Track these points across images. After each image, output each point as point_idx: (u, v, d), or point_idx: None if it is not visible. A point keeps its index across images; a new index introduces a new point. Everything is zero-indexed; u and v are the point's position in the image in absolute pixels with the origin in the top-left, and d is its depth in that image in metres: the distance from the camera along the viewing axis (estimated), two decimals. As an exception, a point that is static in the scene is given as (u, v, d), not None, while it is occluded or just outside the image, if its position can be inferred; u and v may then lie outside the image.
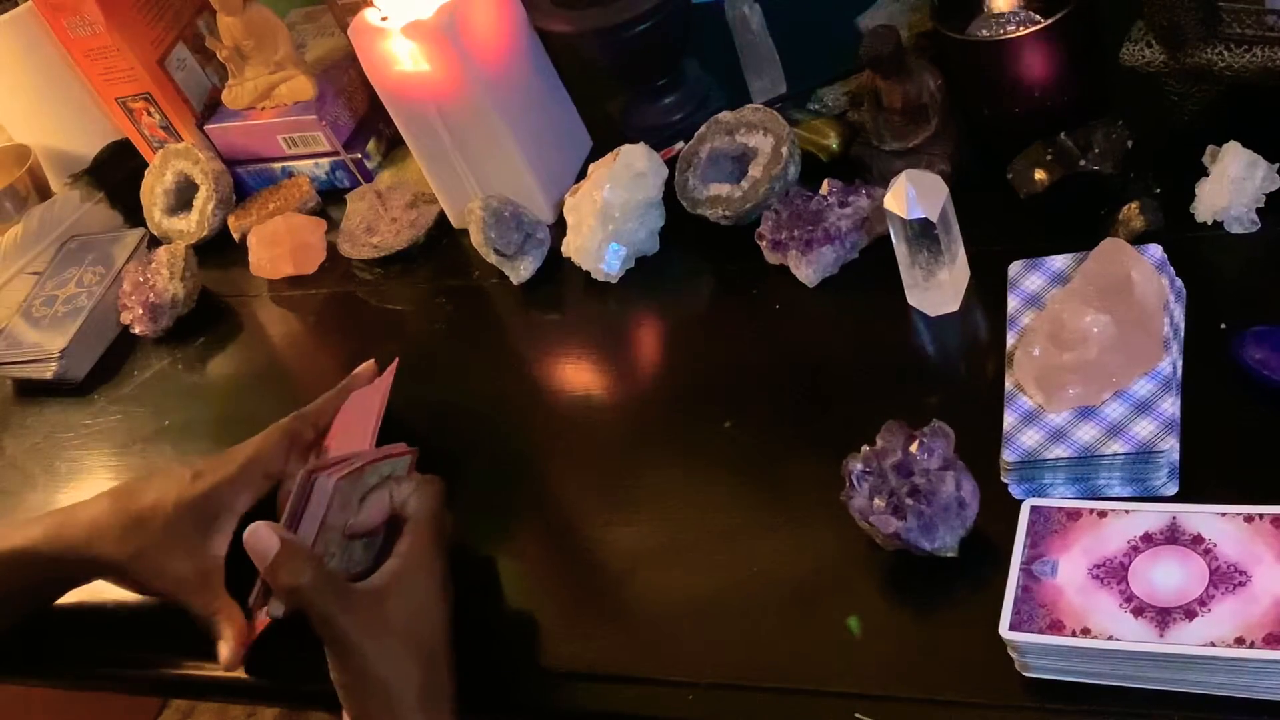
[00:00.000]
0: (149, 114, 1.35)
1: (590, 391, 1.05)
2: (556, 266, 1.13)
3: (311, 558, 0.81)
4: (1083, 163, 0.96)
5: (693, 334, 1.06)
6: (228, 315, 1.27)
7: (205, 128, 1.36)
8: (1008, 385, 0.86)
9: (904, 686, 0.76)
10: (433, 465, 1.03)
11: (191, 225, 1.34)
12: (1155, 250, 0.88)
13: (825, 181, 1.04)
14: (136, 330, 1.26)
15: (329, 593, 0.80)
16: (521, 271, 1.13)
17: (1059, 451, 0.81)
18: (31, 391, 1.27)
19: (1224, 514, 0.73)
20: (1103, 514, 0.76)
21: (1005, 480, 0.83)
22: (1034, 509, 0.77)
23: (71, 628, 1.00)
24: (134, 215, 1.40)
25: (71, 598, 0.99)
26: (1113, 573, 0.73)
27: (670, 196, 1.11)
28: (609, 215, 1.08)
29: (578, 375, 1.07)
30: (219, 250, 1.33)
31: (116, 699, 0.98)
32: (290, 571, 0.79)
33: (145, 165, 1.38)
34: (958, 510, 0.79)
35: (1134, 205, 0.93)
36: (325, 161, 1.33)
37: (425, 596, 0.83)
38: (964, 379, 0.94)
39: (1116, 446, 0.80)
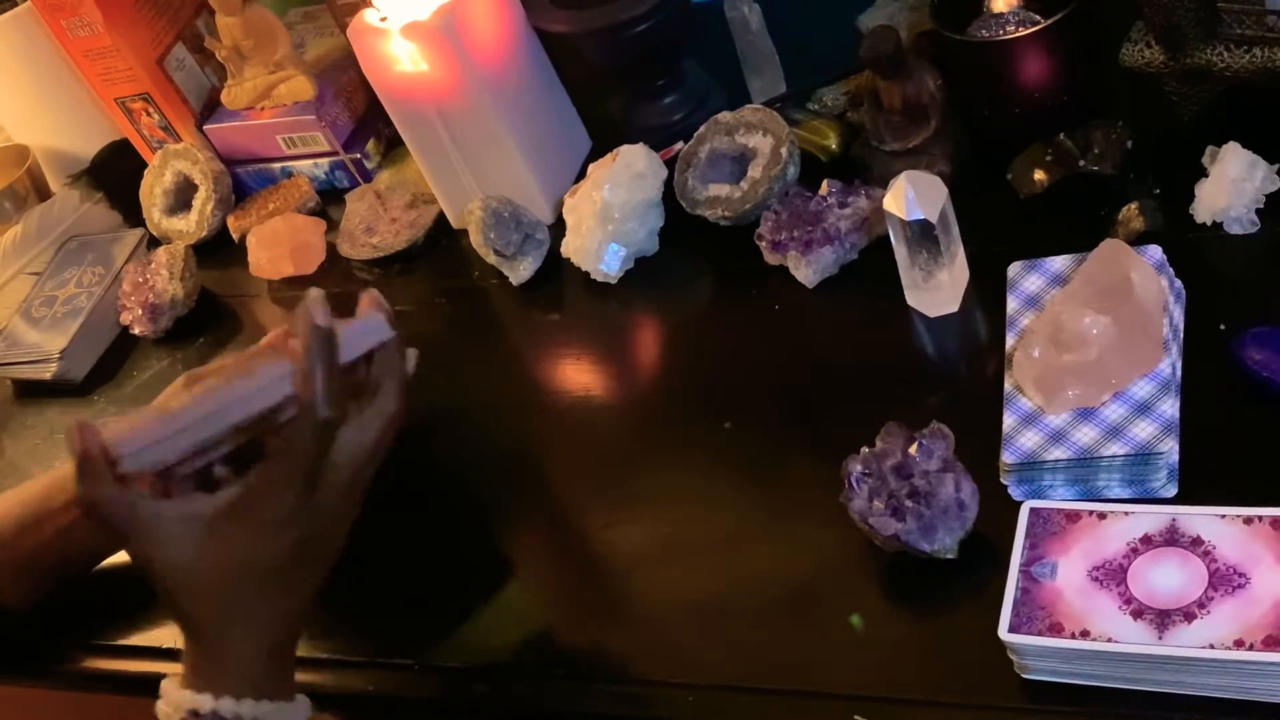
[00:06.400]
0: (148, 114, 1.35)
1: (590, 391, 1.05)
2: (556, 267, 1.13)
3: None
4: (1082, 163, 0.96)
5: (692, 334, 1.06)
6: (227, 316, 1.27)
7: (204, 128, 1.36)
8: (1007, 386, 0.86)
9: (903, 688, 0.76)
10: (431, 466, 1.03)
11: (191, 225, 1.34)
12: (1155, 251, 0.88)
13: (825, 182, 1.04)
14: (136, 331, 1.26)
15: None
16: (521, 272, 1.13)
17: (1058, 453, 0.81)
18: (31, 392, 1.27)
19: (1223, 516, 0.73)
20: (1102, 516, 0.76)
21: (1004, 482, 0.83)
22: (1033, 511, 0.77)
23: (70, 629, 1.00)
24: (133, 215, 1.40)
25: (67, 597, 0.99)
26: (1112, 575, 0.73)
27: (670, 197, 1.11)
28: (609, 216, 1.08)
29: (578, 375, 1.07)
30: (218, 250, 1.33)
31: (114, 701, 0.98)
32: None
33: (144, 165, 1.38)
34: (957, 512, 0.79)
35: (1133, 206, 0.93)
36: (324, 161, 1.32)
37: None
38: (963, 380, 0.94)
39: (1116, 448, 0.80)
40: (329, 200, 1.33)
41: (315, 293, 0.76)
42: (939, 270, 0.93)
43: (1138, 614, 0.70)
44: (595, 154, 1.18)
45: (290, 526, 0.76)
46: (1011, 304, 0.91)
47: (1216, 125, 0.95)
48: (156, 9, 1.33)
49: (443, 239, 1.22)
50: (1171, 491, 0.79)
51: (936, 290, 0.95)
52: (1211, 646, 0.68)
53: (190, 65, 1.37)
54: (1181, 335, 0.86)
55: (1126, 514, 0.75)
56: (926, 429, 0.81)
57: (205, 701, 0.74)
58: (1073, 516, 0.76)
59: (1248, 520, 0.72)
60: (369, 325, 0.81)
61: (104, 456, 0.74)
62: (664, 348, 1.08)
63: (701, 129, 1.11)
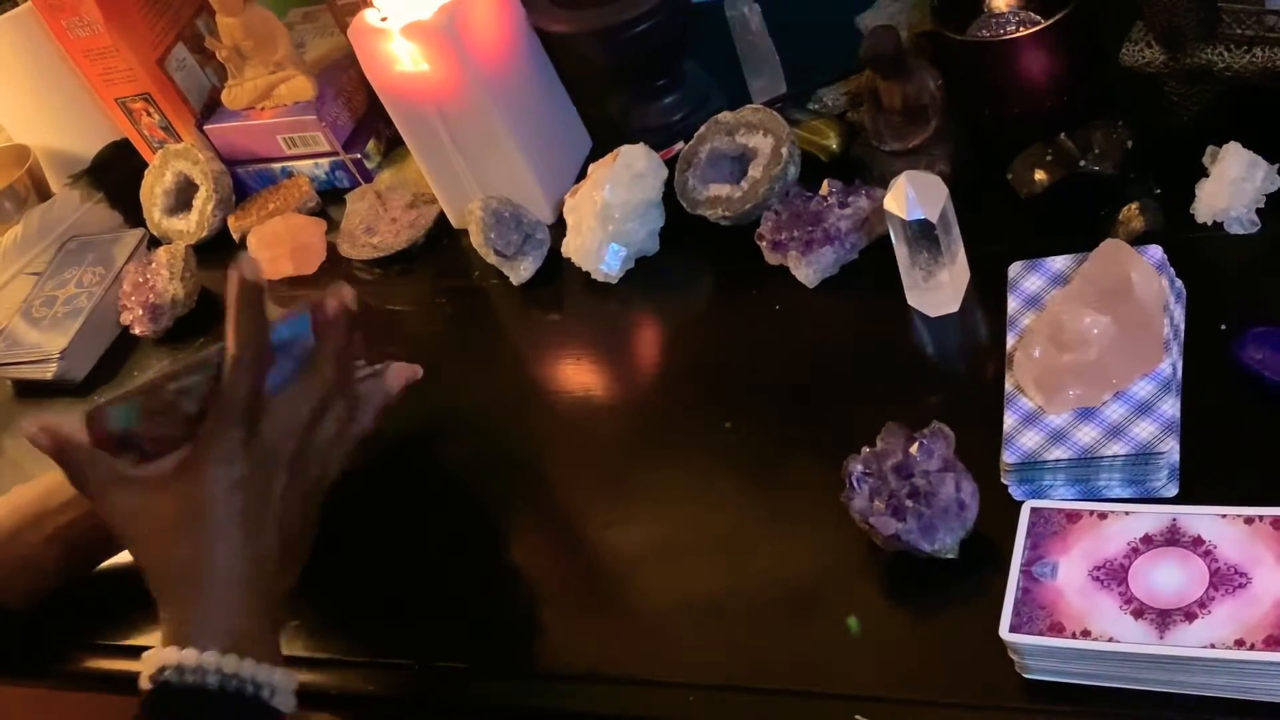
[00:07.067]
0: (148, 114, 1.35)
1: (590, 391, 1.05)
2: (556, 267, 1.13)
3: None
4: (1083, 163, 0.96)
5: (693, 334, 1.06)
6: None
7: (205, 128, 1.36)
8: (1008, 386, 0.86)
9: (904, 688, 0.76)
10: (432, 466, 1.03)
11: (191, 225, 1.34)
12: (1155, 251, 0.88)
13: (825, 182, 1.04)
14: (136, 331, 1.26)
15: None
16: (521, 272, 1.13)
17: (1059, 453, 0.81)
18: (31, 392, 1.27)
19: (1224, 515, 0.73)
20: (1103, 515, 0.76)
21: (1005, 482, 0.83)
22: (1034, 510, 0.77)
23: (70, 629, 1.00)
24: (134, 215, 1.40)
25: (67, 597, 0.99)
26: (1113, 574, 0.73)
27: (670, 197, 1.11)
28: (609, 216, 1.08)
29: (578, 375, 1.07)
30: (219, 250, 1.33)
31: (114, 701, 0.98)
32: None
33: (145, 165, 1.38)
34: (957, 512, 0.79)
35: (1134, 206, 0.93)
36: (325, 161, 1.32)
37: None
38: (964, 380, 0.94)
39: (1117, 448, 0.80)
40: (329, 200, 1.33)
41: (248, 256, 0.85)
42: (939, 270, 0.93)
43: (1138, 614, 0.70)
44: (595, 154, 1.18)
45: (234, 462, 0.80)
46: (1012, 304, 0.91)
47: (1217, 125, 0.95)
48: (157, 9, 1.33)
49: (443, 239, 1.22)
50: (1172, 491, 0.79)
51: (937, 290, 0.95)
52: (1212, 646, 0.68)
53: (190, 65, 1.37)
54: (1182, 335, 0.86)
55: (1127, 514, 0.75)
56: (927, 429, 0.81)
57: (170, 654, 0.77)
58: (1073, 516, 0.76)
59: (1248, 520, 0.72)
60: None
61: (80, 430, 0.82)
62: (664, 348, 1.08)
63: (702, 129, 1.11)
